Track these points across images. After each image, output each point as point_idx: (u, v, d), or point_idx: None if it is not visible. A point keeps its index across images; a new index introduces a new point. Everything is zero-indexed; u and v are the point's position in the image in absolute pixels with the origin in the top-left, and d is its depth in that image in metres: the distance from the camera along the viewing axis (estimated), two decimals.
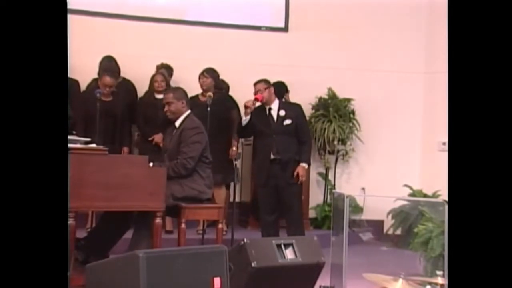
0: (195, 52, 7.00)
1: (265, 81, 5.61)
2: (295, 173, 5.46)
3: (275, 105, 5.58)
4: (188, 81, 6.54)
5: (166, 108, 4.87)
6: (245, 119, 5.56)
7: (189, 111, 4.89)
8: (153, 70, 6.57)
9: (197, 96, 6.19)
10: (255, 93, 5.55)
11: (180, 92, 4.99)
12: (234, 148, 6.34)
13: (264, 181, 5.55)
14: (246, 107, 5.51)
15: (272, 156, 5.48)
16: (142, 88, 6.69)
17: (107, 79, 5.89)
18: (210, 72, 6.31)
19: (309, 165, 5.74)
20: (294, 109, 5.66)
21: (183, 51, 6.94)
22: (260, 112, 5.58)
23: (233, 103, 6.46)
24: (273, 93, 5.61)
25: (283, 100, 5.69)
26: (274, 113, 5.57)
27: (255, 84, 5.60)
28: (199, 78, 6.28)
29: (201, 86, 6.28)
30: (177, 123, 4.85)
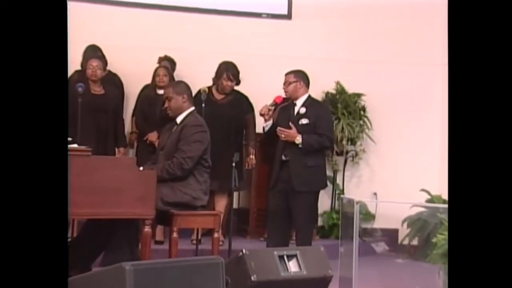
0: (189, 42, 6.98)
1: (295, 73, 5.55)
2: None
3: (300, 100, 5.54)
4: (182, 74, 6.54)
5: (166, 104, 4.87)
6: (266, 125, 5.55)
7: (192, 108, 4.91)
8: (142, 62, 6.56)
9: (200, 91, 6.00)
10: (284, 84, 5.55)
11: (181, 86, 4.99)
12: (252, 157, 6.32)
13: (273, 184, 5.55)
14: (261, 115, 5.52)
15: (283, 158, 5.47)
16: (129, 83, 6.67)
17: (95, 61, 5.87)
18: (234, 70, 6.17)
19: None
20: (316, 109, 5.59)
21: (175, 40, 6.92)
22: (286, 106, 5.59)
23: (250, 106, 6.41)
24: (302, 87, 5.53)
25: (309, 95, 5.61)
26: (296, 109, 5.53)
27: (285, 75, 5.58)
28: (222, 74, 6.14)
29: (225, 87, 6.17)
30: (179, 120, 4.86)
